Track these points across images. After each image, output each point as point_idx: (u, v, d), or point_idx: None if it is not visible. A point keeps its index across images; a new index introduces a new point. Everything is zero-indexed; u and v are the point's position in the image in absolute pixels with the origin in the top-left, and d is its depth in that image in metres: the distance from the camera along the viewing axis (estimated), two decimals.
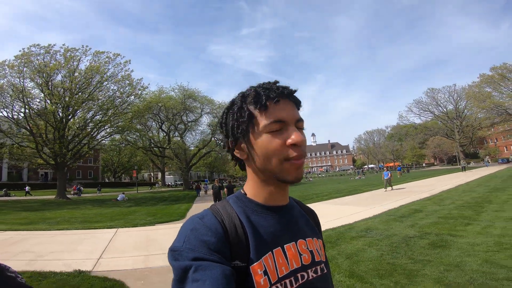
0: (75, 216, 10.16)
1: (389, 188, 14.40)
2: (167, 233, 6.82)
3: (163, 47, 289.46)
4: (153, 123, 35.25)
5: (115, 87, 22.47)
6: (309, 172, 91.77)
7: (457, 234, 4.91)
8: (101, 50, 21.63)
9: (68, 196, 22.57)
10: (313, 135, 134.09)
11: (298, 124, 0.60)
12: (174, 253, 0.51)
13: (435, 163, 73.93)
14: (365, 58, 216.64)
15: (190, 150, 37.67)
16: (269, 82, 0.62)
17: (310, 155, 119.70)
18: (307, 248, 0.63)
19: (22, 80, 18.89)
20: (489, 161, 48.08)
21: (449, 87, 46.49)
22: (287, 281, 0.56)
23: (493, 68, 35.48)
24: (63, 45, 20.25)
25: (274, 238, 0.59)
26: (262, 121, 0.57)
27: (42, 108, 20.17)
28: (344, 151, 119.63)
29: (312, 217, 0.76)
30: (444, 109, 48.21)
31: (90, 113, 22.27)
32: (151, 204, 16.12)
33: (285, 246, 0.60)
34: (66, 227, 7.67)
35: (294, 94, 0.62)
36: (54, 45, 19.95)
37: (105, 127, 23.47)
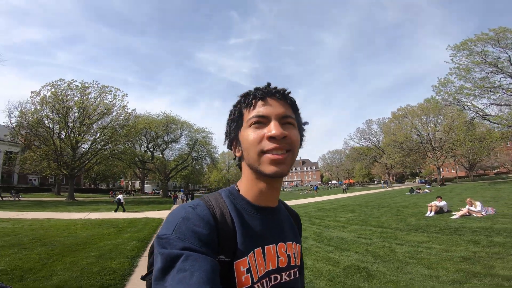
0: (112, 207, 17.97)
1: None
2: (166, 212, 15.21)
3: (146, 50, 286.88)
4: (138, 140, 42.86)
5: (114, 114, 30.24)
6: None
7: None
8: (106, 84, 29.84)
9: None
10: None
11: (285, 120, 0.62)
12: (161, 240, 0.50)
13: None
14: (345, 75, 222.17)
15: (169, 162, 45.56)
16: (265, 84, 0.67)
17: None
18: (286, 251, 0.66)
19: (51, 111, 26.37)
20: (417, 181, 60.35)
21: (381, 119, 57.21)
22: (264, 281, 0.59)
23: (400, 109, 44.32)
24: (82, 80, 28.01)
25: (258, 238, 0.61)
26: (247, 117, 0.63)
27: (60, 133, 27.62)
28: (314, 168, 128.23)
29: (296, 221, 0.79)
30: (375, 138, 59.34)
31: (95, 136, 29.80)
32: (144, 204, 24.00)
33: (265, 247, 0.62)
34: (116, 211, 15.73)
35: (286, 94, 0.66)
36: (76, 80, 27.68)
37: (107, 147, 30.95)
